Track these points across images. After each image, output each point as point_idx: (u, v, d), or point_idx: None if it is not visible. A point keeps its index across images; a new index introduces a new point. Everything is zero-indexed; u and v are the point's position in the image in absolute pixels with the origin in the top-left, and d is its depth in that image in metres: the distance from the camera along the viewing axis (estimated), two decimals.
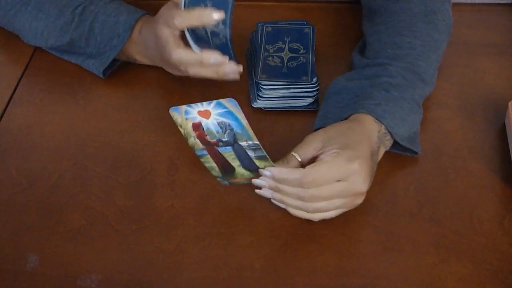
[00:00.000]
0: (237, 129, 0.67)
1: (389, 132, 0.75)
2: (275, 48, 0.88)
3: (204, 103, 0.65)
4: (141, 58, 0.89)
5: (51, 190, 0.76)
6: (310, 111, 0.84)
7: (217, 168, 0.72)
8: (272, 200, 0.72)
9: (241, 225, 0.73)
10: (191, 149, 0.80)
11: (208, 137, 0.68)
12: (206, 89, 0.88)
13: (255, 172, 0.71)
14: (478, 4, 1.02)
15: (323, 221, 0.72)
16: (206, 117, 0.66)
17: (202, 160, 0.72)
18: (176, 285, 0.68)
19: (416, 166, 0.78)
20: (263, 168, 0.70)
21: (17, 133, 0.83)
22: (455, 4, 1.00)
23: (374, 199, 0.74)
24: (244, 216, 0.73)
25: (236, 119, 0.65)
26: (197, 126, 0.68)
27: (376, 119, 0.74)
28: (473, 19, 1.00)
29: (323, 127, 0.75)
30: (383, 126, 0.74)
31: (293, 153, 0.71)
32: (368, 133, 0.73)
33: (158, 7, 0.82)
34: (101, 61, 0.87)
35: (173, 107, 0.67)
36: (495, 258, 0.70)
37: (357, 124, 0.73)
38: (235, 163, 0.71)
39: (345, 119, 0.75)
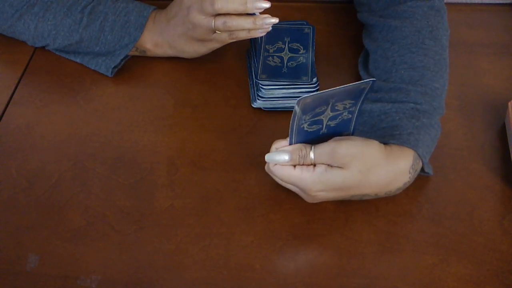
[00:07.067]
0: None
1: (422, 161, 0.72)
2: (275, 48, 0.88)
3: None
4: (152, 47, 0.88)
5: (51, 190, 0.76)
6: None
7: None
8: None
9: (241, 225, 0.73)
10: (191, 149, 0.80)
11: None
12: (207, 89, 0.88)
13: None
14: (478, 4, 1.02)
15: (323, 221, 0.72)
16: None
17: None
18: (176, 285, 0.68)
19: None
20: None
21: (17, 133, 0.83)
22: (455, 4, 1.01)
23: (374, 199, 0.74)
24: (244, 216, 0.73)
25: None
26: None
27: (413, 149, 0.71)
28: (473, 19, 1.00)
29: None
30: (419, 161, 0.72)
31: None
32: (402, 170, 0.70)
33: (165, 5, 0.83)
34: (112, 58, 0.87)
35: None
36: (495, 258, 0.70)
37: (390, 161, 0.70)
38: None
39: None
